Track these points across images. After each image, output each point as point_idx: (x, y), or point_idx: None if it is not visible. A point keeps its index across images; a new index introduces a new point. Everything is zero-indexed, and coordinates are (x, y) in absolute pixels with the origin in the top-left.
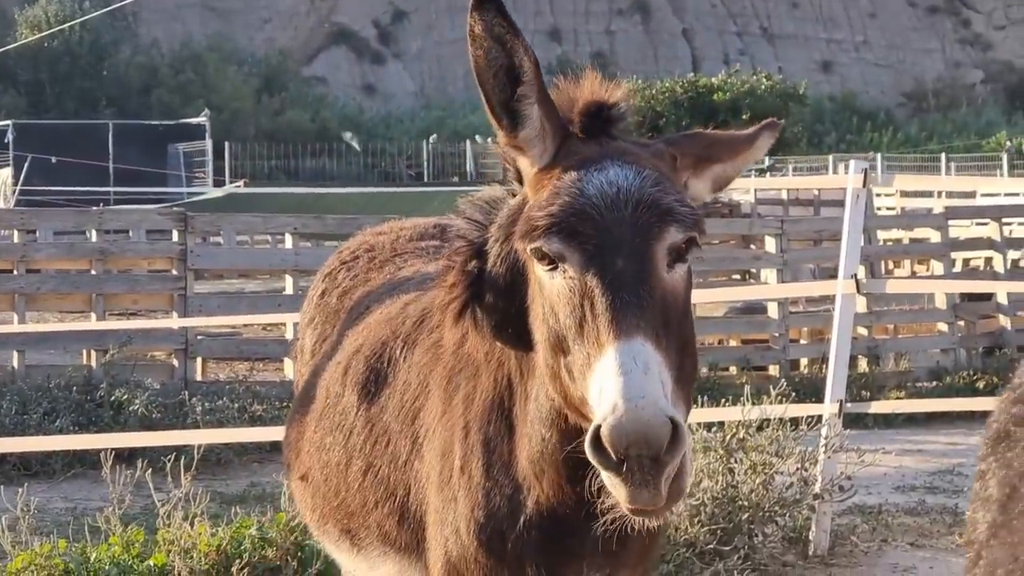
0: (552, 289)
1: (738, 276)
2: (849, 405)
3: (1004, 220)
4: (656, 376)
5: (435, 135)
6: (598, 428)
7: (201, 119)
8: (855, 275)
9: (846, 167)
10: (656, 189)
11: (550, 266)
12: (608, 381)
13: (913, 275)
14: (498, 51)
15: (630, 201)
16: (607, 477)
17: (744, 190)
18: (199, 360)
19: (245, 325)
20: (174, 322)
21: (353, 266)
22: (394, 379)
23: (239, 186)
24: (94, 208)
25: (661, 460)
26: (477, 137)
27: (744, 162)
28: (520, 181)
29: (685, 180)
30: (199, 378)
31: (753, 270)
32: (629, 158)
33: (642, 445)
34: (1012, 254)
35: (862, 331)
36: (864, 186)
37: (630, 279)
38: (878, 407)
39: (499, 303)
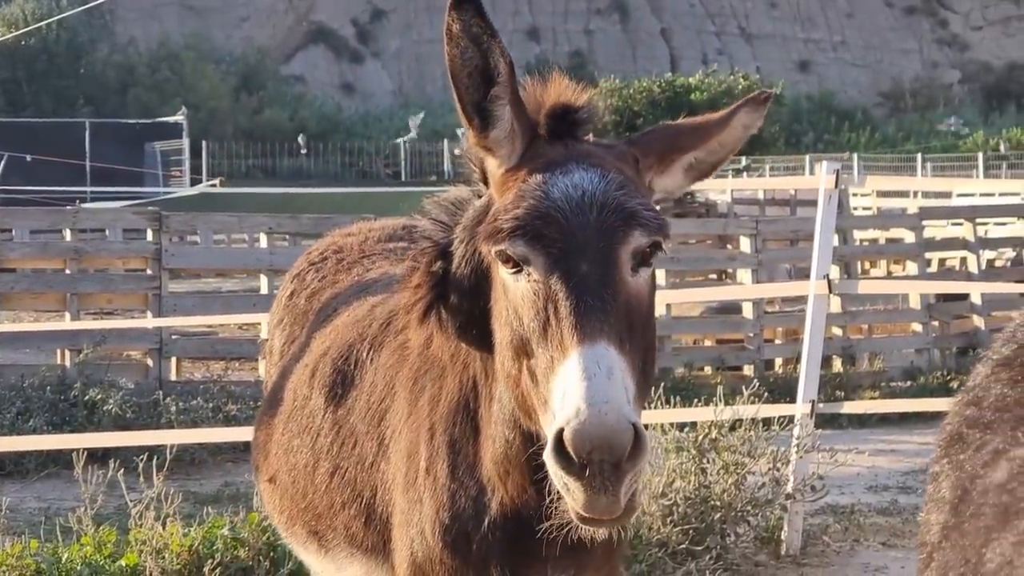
0: (516, 292)
1: (715, 276)
2: (821, 405)
3: (978, 220)
4: (620, 381)
5: (412, 134)
6: (561, 431)
7: (178, 118)
8: (827, 275)
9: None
10: (621, 193)
11: (514, 269)
12: (572, 385)
13: (889, 275)
14: (474, 51)
15: (595, 205)
16: (566, 481)
17: (720, 190)
18: (174, 360)
19: (220, 324)
20: (148, 322)
21: (321, 267)
22: (361, 381)
23: (214, 185)
24: (69, 207)
25: (622, 467)
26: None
27: (721, 145)
28: (486, 182)
29: (649, 181)
30: (173, 378)
31: (729, 270)
32: (594, 161)
33: (605, 450)
34: (986, 254)
35: (837, 331)
36: (836, 187)
37: (595, 283)
38: (850, 407)
39: (464, 304)
